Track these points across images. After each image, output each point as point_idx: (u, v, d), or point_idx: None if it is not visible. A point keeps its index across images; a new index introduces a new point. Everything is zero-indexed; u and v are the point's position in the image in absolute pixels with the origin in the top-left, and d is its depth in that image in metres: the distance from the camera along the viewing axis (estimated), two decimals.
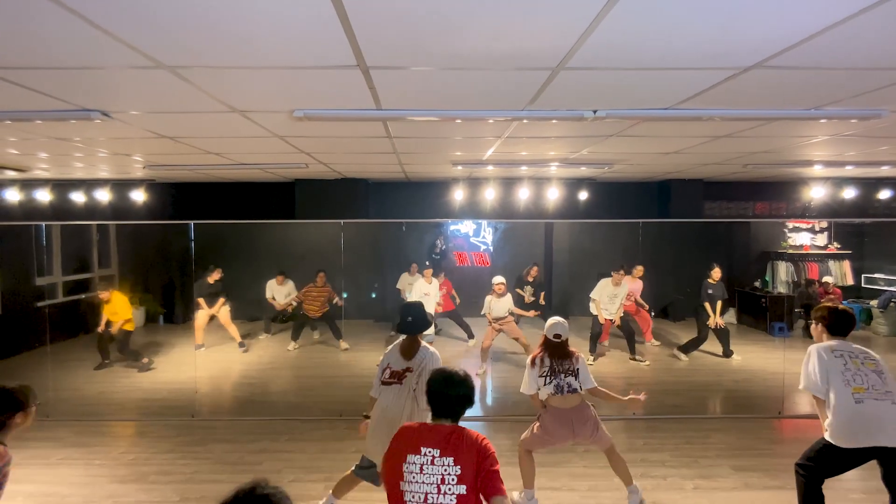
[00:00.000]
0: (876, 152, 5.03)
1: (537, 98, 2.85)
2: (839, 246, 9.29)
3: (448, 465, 1.80)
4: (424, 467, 1.80)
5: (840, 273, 9.11)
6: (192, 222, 6.67)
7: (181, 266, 8.87)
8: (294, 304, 7.73)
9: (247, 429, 4.68)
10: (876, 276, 8.97)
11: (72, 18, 1.80)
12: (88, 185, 7.48)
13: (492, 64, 2.32)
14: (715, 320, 6.53)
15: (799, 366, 2.81)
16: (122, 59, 2.24)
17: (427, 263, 7.38)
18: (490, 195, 7.61)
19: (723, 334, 6.68)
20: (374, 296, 9.23)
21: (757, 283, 9.10)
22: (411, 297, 6.67)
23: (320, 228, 8.80)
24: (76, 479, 3.85)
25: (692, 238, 8.72)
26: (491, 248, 9.80)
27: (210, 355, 7.19)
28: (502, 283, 6.23)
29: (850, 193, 7.64)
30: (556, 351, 3.24)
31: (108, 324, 6.32)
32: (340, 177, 7.45)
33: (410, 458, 1.82)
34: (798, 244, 9.40)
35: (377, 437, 2.87)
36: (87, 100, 2.91)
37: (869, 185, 7.98)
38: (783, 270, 9.03)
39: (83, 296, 8.47)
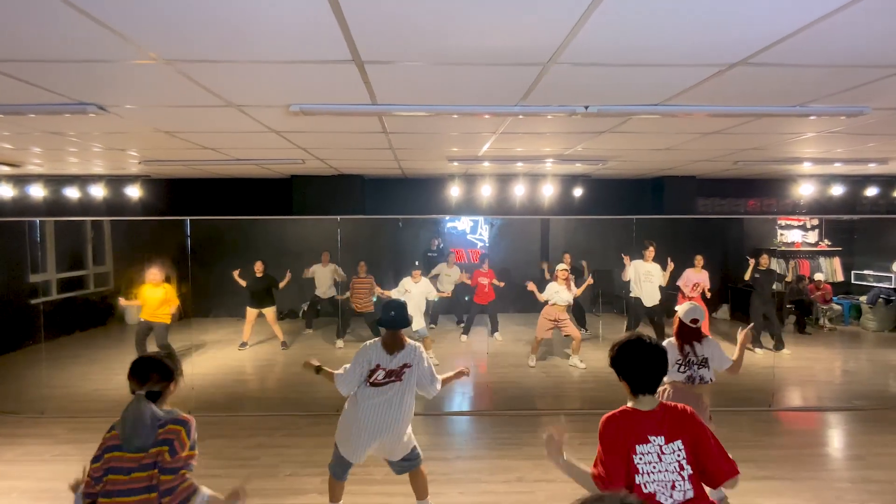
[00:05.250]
0: (863, 149, 5.10)
1: (529, 94, 2.89)
2: (829, 243, 9.40)
3: (678, 450, 1.73)
4: (662, 456, 1.72)
5: (830, 269, 9.22)
6: (188, 218, 6.61)
7: (177, 263, 8.87)
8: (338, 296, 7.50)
9: (243, 424, 4.71)
10: (865, 272, 9.08)
11: (67, 10, 1.82)
12: (83, 180, 7.45)
13: (483, 59, 2.36)
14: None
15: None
16: (118, 53, 2.26)
17: (416, 263, 6.98)
18: (486, 192, 7.65)
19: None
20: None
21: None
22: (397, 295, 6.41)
23: (317, 225, 8.82)
24: (72, 476, 3.85)
25: (686, 234, 8.79)
26: (487, 244, 9.85)
27: (205, 352, 7.20)
28: (566, 269, 6.29)
29: (838, 191, 7.75)
30: (692, 336, 3.19)
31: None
32: (337, 173, 7.47)
33: (640, 448, 1.73)
34: (790, 241, 9.50)
35: (364, 436, 2.86)
36: (83, 93, 2.93)
37: (857, 183, 8.08)
38: (774, 267, 9.11)
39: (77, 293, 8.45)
